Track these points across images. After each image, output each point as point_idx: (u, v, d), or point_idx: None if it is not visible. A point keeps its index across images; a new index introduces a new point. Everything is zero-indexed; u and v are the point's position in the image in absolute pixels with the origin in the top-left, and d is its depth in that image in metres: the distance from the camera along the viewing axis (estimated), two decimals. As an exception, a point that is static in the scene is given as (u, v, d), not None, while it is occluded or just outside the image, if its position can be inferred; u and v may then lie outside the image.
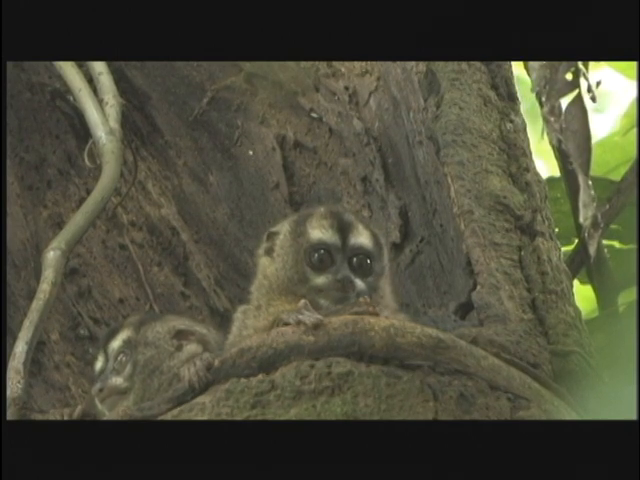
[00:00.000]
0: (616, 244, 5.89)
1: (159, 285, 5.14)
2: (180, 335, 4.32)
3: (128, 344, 4.30)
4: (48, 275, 4.39)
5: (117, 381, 4.27)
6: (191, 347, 4.27)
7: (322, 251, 4.07)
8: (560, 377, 3.99)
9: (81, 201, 4.96)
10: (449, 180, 4.34)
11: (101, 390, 4.26)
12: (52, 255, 4.44)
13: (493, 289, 4.09)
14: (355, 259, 4.08)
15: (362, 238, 4.11)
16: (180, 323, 4.39)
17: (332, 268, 4.05)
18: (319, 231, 4.10)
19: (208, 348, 4.23)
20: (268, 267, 4.15)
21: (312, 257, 4.07)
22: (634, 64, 5.65)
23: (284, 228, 4.18)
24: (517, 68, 5.19)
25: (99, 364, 4.36)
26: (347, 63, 5.03)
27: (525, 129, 4.60)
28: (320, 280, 4.04)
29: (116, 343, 4.33)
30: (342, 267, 4.04)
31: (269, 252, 4.18)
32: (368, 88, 4.95)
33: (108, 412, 4.22)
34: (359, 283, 4.04)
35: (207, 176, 5.21)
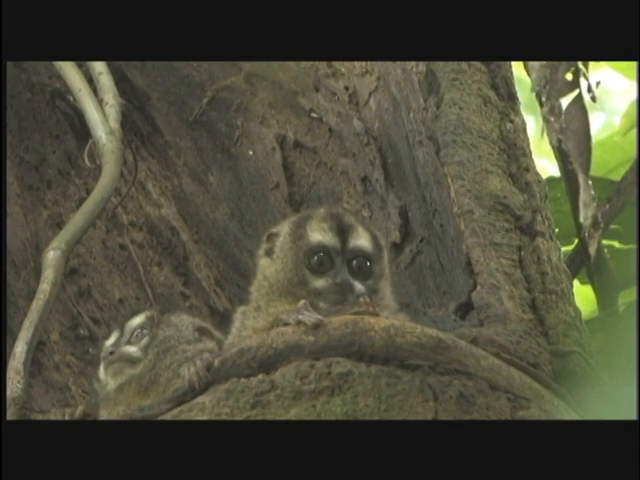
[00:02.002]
0: (616, 244, 5.89)
1: (159, 285, 5.14)
2: (202, 331, 4.33)
3: (151, 320, 4.32)
4: (48, 275, 4.39)
5: (131, 349, 4.28)
6: (209, 344, 4.28)
7: (321, 254, 4.05)
8: (560, 377, 3.99)
9: (81, 201, 4.96)
10: (449, 180, 4.34)
11: (111, 353, 4.26)
12: (52, 255, 4.44)
13: (493, 289, 4.09)
14: (355, 262, 4.06)
15: (362, 240, 4.08)
16: (205, 324, 4.42)
17: (331, 271, 4.03)
18: (319, 234, 4.08)
19: None
20: (268, 268, 4.14)
21: (311, 260, 4.05)
22: (634, 64, 5.65)
23: (284, 230, 4.17)
24: (517, 68, 5.19)
25: (112, 339, 4.35)
26: (347, 63, 5.03)
27: (525, 129, 4.60)
28: (319, 283, 4.02)
29: (137, 320, 4.34)
30: (341, 270, 4.02)
31: (269, 253, 4.16)
32: (368, 88, 4.95)
33: (111, 379, 4.23)
34: (358, 286, 4.02)
35: (207, 176, 5.21)
